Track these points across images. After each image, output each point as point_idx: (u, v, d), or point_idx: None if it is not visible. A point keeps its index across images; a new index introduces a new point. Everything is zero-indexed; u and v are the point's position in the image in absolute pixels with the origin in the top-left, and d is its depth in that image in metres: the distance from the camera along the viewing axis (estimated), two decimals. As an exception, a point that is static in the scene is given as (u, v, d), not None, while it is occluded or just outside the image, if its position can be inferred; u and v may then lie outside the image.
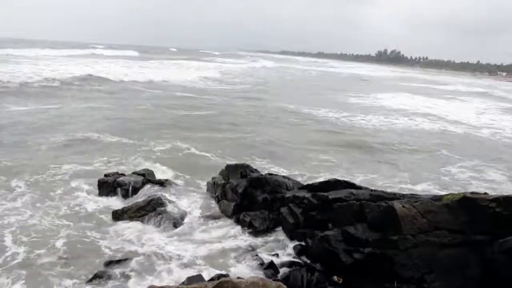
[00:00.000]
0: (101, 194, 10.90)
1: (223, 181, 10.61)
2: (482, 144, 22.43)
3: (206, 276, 7.14)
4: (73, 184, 11.51)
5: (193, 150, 16.07)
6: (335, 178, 9.49)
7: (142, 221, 9.37)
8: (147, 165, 13.31)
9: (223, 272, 7.39)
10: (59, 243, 8.18)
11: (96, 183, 11.11)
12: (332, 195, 8.14)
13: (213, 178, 11.38)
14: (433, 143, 21.38)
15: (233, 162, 12.42)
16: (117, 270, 7.27)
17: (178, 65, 71.05)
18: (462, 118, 31.48)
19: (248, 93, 38.69)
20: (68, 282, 6.99)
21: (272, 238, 8.74)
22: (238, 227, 9.28)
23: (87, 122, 19.76)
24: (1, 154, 13.56)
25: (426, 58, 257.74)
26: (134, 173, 11.85)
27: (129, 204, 10.06)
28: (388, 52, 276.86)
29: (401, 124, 27.01)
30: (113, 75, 42.14)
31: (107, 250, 8.16)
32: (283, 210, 8.71)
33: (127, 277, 7.09)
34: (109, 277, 7.02)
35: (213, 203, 10.65)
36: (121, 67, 54.78)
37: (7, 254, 7.71)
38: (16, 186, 11.08)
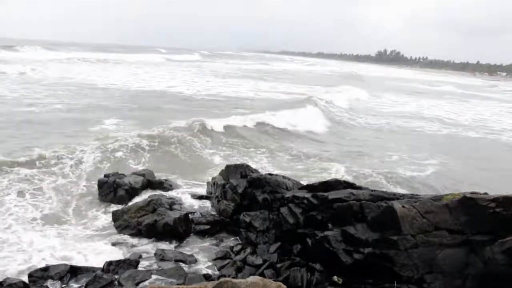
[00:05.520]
0: (101, 194, 10.90)
1: (223, 181, 10.61)
2: None
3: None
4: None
5: None
6: (335, 178, 9.47)
7: (142, 222, 9.37)
8: None
9: (223, 272, 7.40)
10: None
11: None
12: (332, 195, 8.12)
13: (213, 178, 11.37)
14: None
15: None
16: (116, 271, 7.27)
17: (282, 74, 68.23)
18: None
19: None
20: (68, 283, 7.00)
21: (271, 238, 8.74)
22: (238, 228, 9.28)
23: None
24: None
25: (426, 58, 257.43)
26: (134, 173, 11.85)
27: (129, 205, 10.06)
28: (388, 52, 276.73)
29: None
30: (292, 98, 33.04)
31: (107, 251, 8.18)
32: (283, 210, 8.69)
33: (127, 277, 7.07)
34: (109, 278, 7.01)
35: (213, 203, 10.64)
36: (249, 83, 46.01)
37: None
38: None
